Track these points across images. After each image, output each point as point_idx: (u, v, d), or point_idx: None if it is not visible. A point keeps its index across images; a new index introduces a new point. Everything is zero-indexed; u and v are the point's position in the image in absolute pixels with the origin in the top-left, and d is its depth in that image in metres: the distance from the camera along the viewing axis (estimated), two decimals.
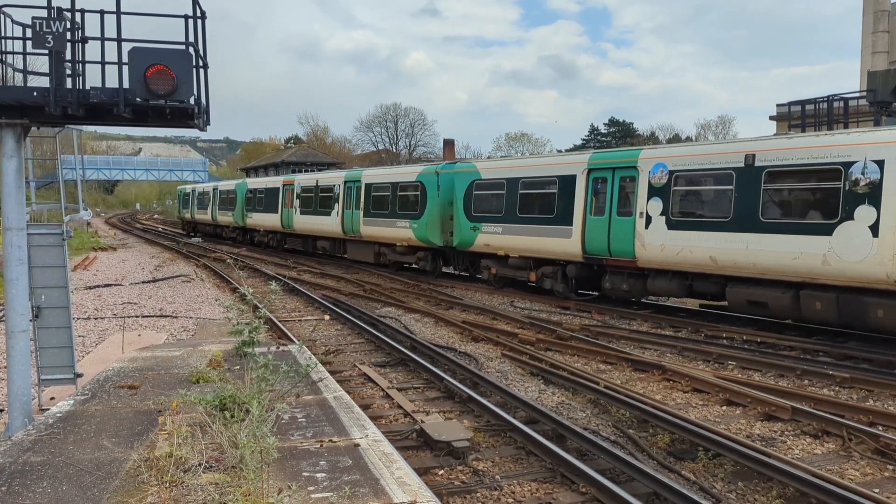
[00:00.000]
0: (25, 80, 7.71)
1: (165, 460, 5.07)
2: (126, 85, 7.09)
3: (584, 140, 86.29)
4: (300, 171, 49.25)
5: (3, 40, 7.47)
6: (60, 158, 9.86)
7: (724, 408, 9.34)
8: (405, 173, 24.88)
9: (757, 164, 13.42)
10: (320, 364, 9.05)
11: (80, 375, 8.87)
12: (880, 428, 8.20)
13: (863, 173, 11.74)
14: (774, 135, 16.24)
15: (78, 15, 7.17)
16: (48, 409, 7.45)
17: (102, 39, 7.19)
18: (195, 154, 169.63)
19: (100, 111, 7.43)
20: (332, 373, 9.47)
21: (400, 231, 23.78)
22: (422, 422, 8.27)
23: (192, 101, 7.36)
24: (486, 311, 16.71)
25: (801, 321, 13.59)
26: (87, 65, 7.28)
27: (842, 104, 20.65)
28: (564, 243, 17.45)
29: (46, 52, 6.98)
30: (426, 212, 22.52)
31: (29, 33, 7.10)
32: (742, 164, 13.66)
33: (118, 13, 7.12)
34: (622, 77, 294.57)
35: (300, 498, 4.62)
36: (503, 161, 25.26)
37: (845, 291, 12.13)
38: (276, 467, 5.08)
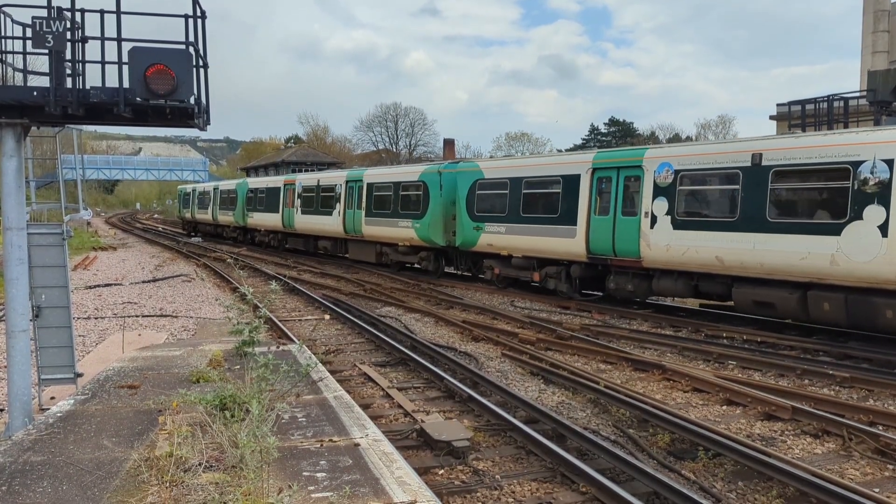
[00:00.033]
0: (25, 80, 7.71)
1: (165, 460, 5.08)
2: (126, 85, 7.09)
3: (584, 140, 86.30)
4: (300, 171, 49.38)
5: (3, 40, 7.47)
6: (60, 158, 9.86)
7: (725, 407, 9.34)
8: (407, 173, 24.84)
9: (764, 163, 13.32)
10: (320, 364, 9.05)
11: (80, 375, 8.87)
12: (880, 427, 8.21)
13: (872, 173, 11.66)
14: (781, 134, 16.19)
15: (78, 14, 7.17)
16: (48, 409, 7.46)
17: (102, 39, 7.18)
18: (195, 154, 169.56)
19: (100, 111, 7.43)
20: (332, 372, 9.48)
21: (402, 231, 23.76)
22: (422, 421, 8.28)
23: (192, 100, 7.36)
24: (486, 310, 16.71)
25: (809, 322, 13.51)
26: (87, 64, 7.28)
27: (842, 104, 20.65)
28: (568, 243, 17.38)
29: (46, 51, 6.98)
30: (429, 211, 22.49)
31: (29, 33, 7.10)
32: (749, 164, 13.57)
33: (118, 13, 7.12)
34: (622, 77, 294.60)
35: (300, 497, 4.62)
36: (506, 161, 25.16)
37: (854, 292, 12.03)
38: (277, 467, 5.08)
